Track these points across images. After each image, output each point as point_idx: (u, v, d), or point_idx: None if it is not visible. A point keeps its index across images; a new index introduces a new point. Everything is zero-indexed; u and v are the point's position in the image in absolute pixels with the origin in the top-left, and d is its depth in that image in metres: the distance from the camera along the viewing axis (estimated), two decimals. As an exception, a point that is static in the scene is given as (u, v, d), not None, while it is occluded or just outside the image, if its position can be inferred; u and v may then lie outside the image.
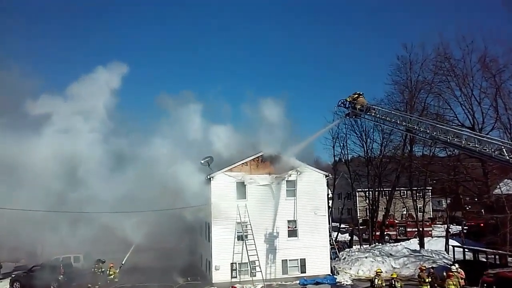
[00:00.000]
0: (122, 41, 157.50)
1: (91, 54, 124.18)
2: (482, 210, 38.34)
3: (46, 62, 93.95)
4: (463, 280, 22.73)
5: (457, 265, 23.71)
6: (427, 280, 22.62)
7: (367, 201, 50.24)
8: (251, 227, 28.97)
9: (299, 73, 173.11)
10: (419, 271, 23.66)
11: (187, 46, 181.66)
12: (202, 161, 31.87)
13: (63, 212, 28.16)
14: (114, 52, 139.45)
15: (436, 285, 22.90)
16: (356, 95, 23.44)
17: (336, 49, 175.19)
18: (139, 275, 31.67)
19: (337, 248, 37.72)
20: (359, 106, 23.16)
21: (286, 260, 30.30)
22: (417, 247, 39.45)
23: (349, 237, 48.20)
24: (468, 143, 17.89)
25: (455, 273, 22.00)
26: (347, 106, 24.23)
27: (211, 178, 29.58)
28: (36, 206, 26.05)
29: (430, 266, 28.00)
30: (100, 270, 29.94)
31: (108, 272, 29.97)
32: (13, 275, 30.72)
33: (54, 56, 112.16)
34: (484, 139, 18.10)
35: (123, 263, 32.54)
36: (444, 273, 22.34)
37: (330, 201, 44.49)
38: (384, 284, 22.63)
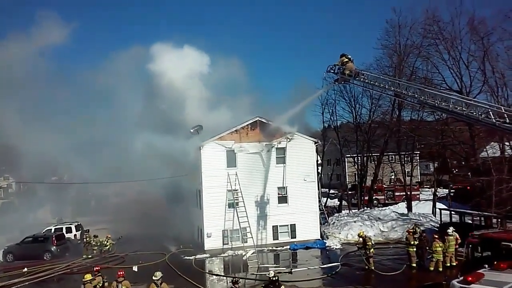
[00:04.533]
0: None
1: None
2: (469, 173, 38.82)
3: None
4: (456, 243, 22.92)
5: (452, 228, 23.93)
6: (412, 243, 23.08)
7: (356, 166, 50.88)
8: (241, 194, 29.18)
9: (287, 38, 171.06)
10: (407, 233, 24.08)
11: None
12: (192, 130, 31.81)
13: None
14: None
15: (427, 247, 23.32)
16: (344, 57, 23.18)
17: (325, 14, 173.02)
18: (132, 243, 31.99)
19: (326, 213, 38.23)
20: (347, 72, 22.92)
21: (277, 226, 30.72)
22: (405, 211, 40.14)
23: (338, 202, 48.91)
24: (456, 106, 17.82)
25: (449, 237, 22.35)
26: (336, 72, 24.01)
27: (201, 147, 29.57)
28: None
29: (422, 229, 28.42)
30: (93, 241, 30.13)
31: (105, 242, 30.26)
32: (6, 247, 30.73)
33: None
34: (471, 102, 18.01)
35: (121, 236, 33.03)
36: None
37: (320, 167, 44.84)
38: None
